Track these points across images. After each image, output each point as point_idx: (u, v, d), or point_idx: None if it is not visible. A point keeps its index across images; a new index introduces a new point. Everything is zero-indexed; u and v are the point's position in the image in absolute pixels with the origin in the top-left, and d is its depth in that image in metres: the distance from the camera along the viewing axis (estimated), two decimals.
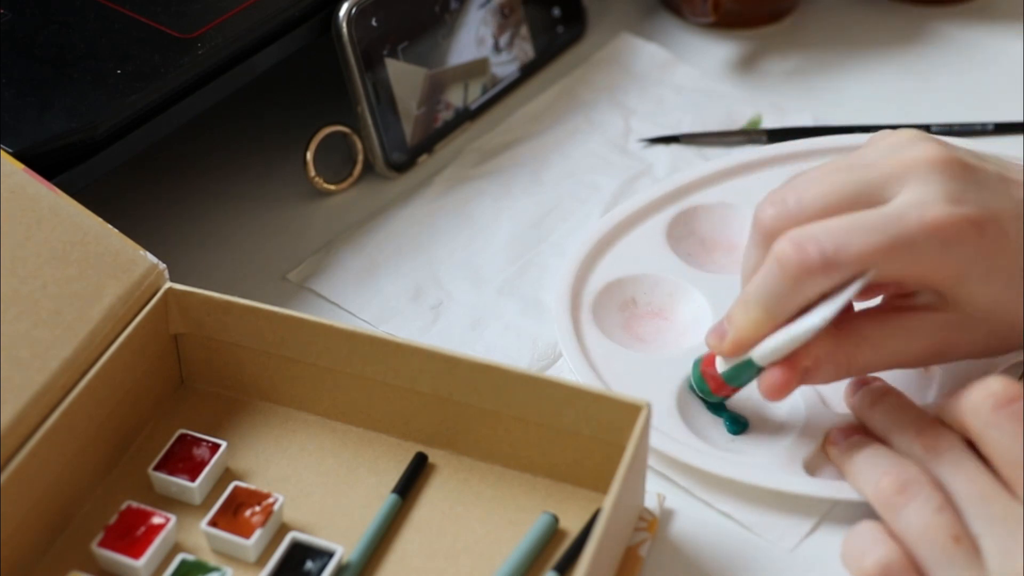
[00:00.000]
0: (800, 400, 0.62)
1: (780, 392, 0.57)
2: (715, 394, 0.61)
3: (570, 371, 0.64)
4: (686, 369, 0.63)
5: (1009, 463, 0.52)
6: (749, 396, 0.63)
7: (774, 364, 0.57)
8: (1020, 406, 0.53)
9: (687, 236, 0.70)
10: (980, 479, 0.53)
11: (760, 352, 0.57)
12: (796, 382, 0.57)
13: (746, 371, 0.59)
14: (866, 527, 0.55)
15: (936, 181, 0.56)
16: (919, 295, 0.58)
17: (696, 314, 0.66)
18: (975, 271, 0.56)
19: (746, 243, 0.60)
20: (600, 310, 0.66)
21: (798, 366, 0.57)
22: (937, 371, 0.63)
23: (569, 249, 0.71)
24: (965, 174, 0.56)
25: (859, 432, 0.59)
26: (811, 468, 0.59)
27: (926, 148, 0.57)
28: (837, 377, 0.58)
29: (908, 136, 0.59)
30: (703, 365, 0.61)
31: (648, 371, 0.63)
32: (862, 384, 0.60)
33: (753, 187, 0.71)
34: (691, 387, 0.62)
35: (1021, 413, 0.53)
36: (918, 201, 0.55)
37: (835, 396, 0.62)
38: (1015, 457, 0.52)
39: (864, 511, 0.58)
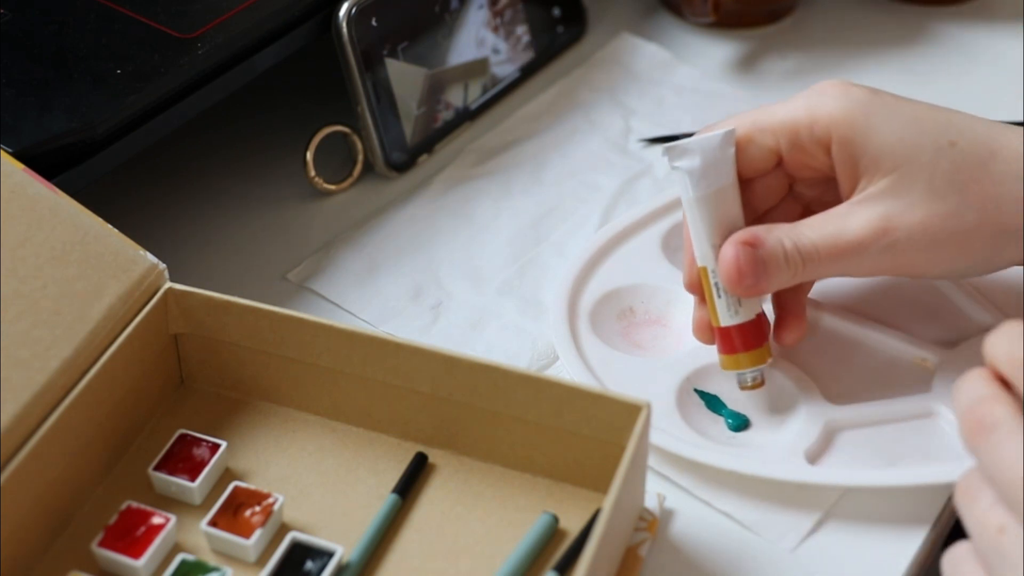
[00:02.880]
0: (799, 396, 0.62)
1: (737, 270, 0.57)
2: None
3: (568, 376, 0.64)
4: (685, 370, 0.63)
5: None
6: (749, 394, 0.63)
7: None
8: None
9: (683, 247, 0.70)
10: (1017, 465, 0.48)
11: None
12: (746, 260, 0.57)
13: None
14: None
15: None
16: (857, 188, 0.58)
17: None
18: (870, 113, 0.57)
19: None
20: (598, 319, 0.66)
21: (738, 240, 0.58)
22: (936, 365, 0.63)
23: (569, 250, 0.71)
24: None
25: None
26: (813, 459, 0.60)
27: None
28: (790, 269, 0.58)
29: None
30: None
31: (647, 374, 0.63)
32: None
33: None
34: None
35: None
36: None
37: (838, 391, 0.62)
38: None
39: (868, 511, 0.58)
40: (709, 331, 0.61)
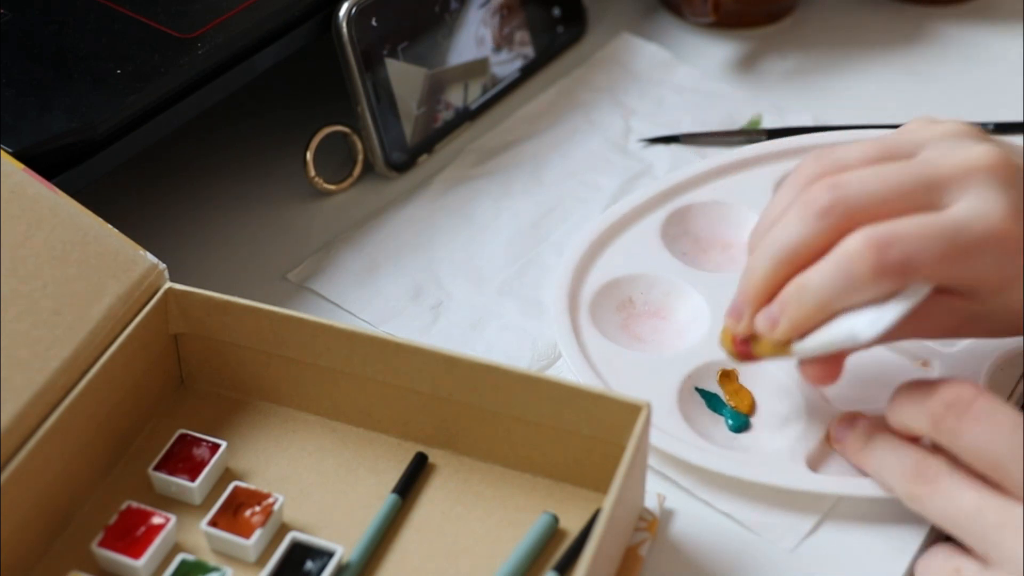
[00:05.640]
0: (800, 396, 0.62)
1: (828, 379, 0.58)
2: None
3: (570, 371, 0.64)
4: (687, 368, 0.63)
5: (993, 466, 0.52)
6: (751, 392, 0.63)
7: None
8: (981, 404, 0.53)
9: (682, 235, 0.70)
10: (967, 497, 0.53)
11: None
12: (838, 363, 0.57)
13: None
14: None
15: (997, 189, 0.55)
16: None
17: (694, 314, 0.66)
18: (1019, 280, 0.56)
19: (779, 204, 0.58)
20: (598, 310, 0.66)
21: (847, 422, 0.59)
22: (936, 368, 0.63)
23: (568, 249, 0.71)
24: (1020, 179, 0.56)
25: (859, 421, 0.59)
26: (814, 464, 0.59)
27: (984, 152, 0.56)
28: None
29: (960, 132, 0.58)
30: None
31: (649, 371, 0.63)
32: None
33: (746, 185, 0.72)
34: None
35: (984, 411, 0.53)
36: (983, 212, 0.55)
37: (838, 392, 0.62)
38: (998, 458, 0.52)
39: (867, 511, 0.58)
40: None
